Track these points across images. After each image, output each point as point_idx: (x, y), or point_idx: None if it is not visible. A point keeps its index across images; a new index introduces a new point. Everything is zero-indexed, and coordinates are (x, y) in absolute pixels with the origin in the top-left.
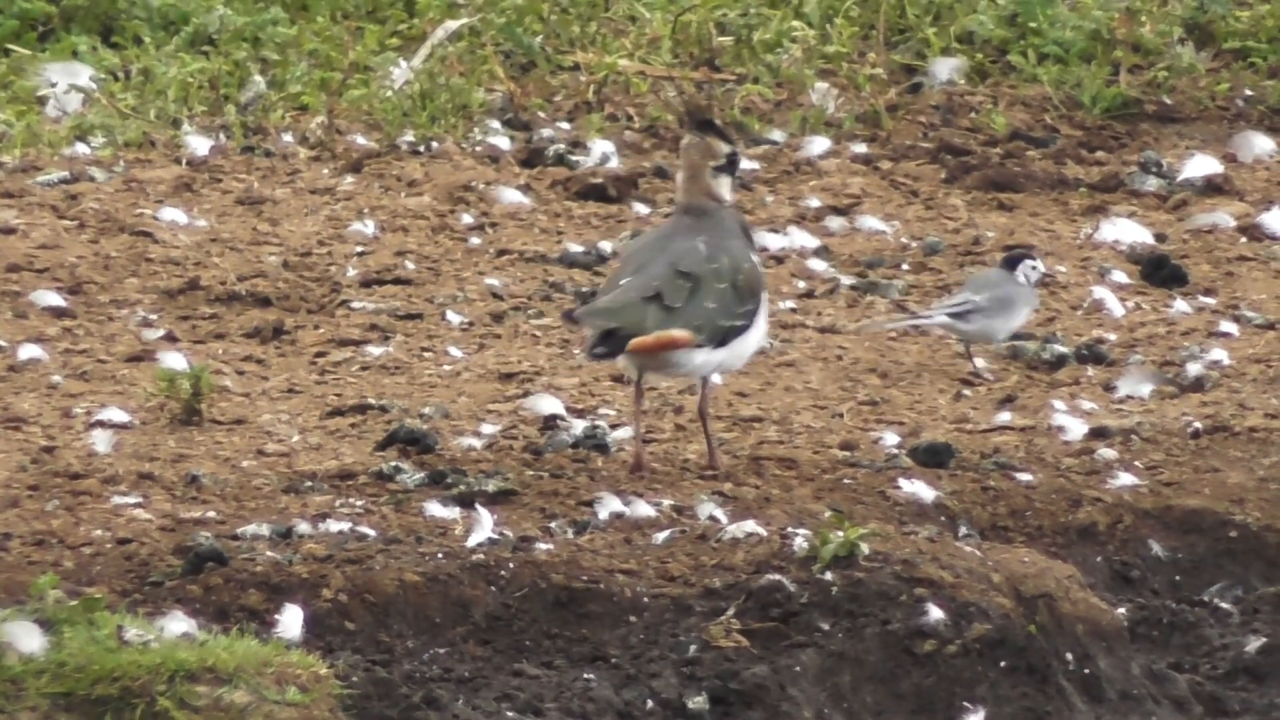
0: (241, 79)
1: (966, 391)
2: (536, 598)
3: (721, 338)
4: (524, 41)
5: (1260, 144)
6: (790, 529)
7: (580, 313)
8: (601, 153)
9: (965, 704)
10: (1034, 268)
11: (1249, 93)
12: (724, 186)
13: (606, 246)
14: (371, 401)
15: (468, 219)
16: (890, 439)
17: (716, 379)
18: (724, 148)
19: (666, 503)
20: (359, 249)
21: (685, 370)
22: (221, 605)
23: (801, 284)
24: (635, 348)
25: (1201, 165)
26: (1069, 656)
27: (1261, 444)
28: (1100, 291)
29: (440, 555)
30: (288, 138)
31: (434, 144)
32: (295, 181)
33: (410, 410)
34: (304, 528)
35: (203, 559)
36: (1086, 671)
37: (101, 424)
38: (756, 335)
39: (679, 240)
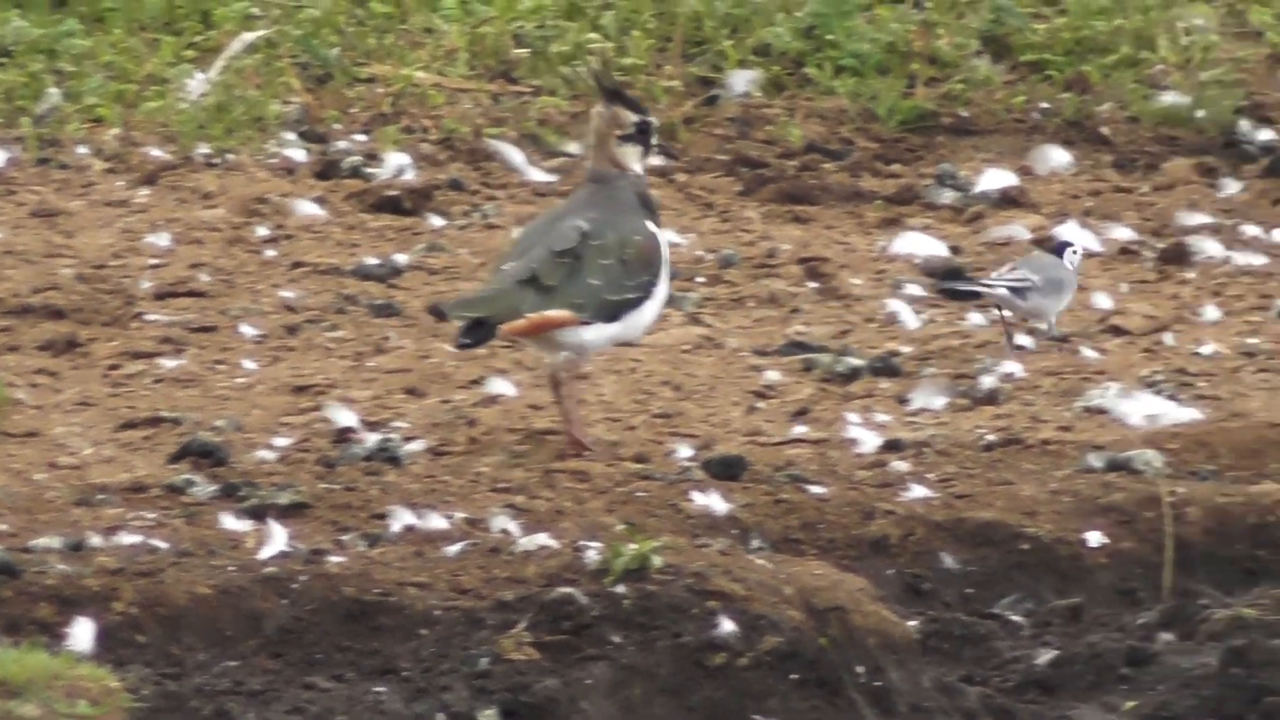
0: (37, 91)
1: (760, 404)
2: (328, 611)
3: (612, 313)
4: (320, 54)
5: (1056, 157)
6: (583, 542)
7: (448, 305)
8: (397, 165)
9: (756, 716)
10: (1076, 253)
11: (1045, 105)
12: (631, 156)
13: (401, 259)
14: (165, 414)
15: (263, 231)
16: (683, 452)
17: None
18: (631, 117)
19: (459, 515)
20: (153, 261)
21: (579, 347)
22: (12, 618)
23: None
24: (509, 332)
25: (997, 178)
26: (860, 669)
27: (1054, 456)
28: (894, 304)
29: (232, 568)
30: (83, 150)
31: (229, 156)
32: (90, 194)
33: (203, 423)
34: (96, 540)
35: None
36: (878, 684)
37: None
38: (654, 306)
39: (565, 219)
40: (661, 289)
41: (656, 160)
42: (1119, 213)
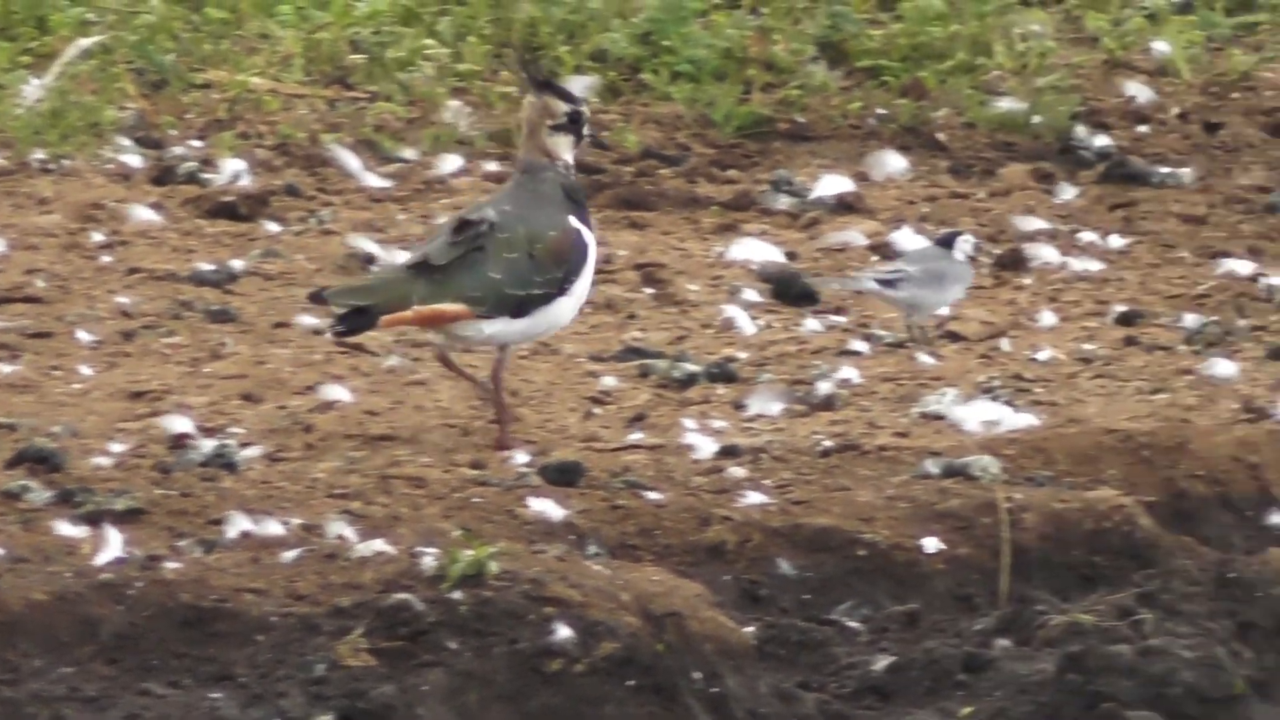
0: None
1: (596, 410)
2: (164, 617)
3: (516, 307)
4: (156, 60)
5: (892, 162)
6: (419, 548)
7: (330, 292)
8: (233, 171)
9: None
10: (968, 242)
11: (881, 111)
12: (562, 146)
13: (237, 265)
14: (0, 420)
15: (98, 237)
16: (520, 458)
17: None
18: (563, 107)
19: (295, 521)
20: None
21: (482, 341)
22: None
23: None
24: (389, 323)
25: (833, 184)
26: (697, 675)
27: (890, 462)
28: (731, 310)
29: (68, 574)
30: None
31: (65, 162)
32: None
33: (39, 429)
34: None
35: None
36: (714, 690)
37: None
38: (570, 303)
39: (477, 211)
40: (580, 285)
41: (589, 149)
42: (955, 219)
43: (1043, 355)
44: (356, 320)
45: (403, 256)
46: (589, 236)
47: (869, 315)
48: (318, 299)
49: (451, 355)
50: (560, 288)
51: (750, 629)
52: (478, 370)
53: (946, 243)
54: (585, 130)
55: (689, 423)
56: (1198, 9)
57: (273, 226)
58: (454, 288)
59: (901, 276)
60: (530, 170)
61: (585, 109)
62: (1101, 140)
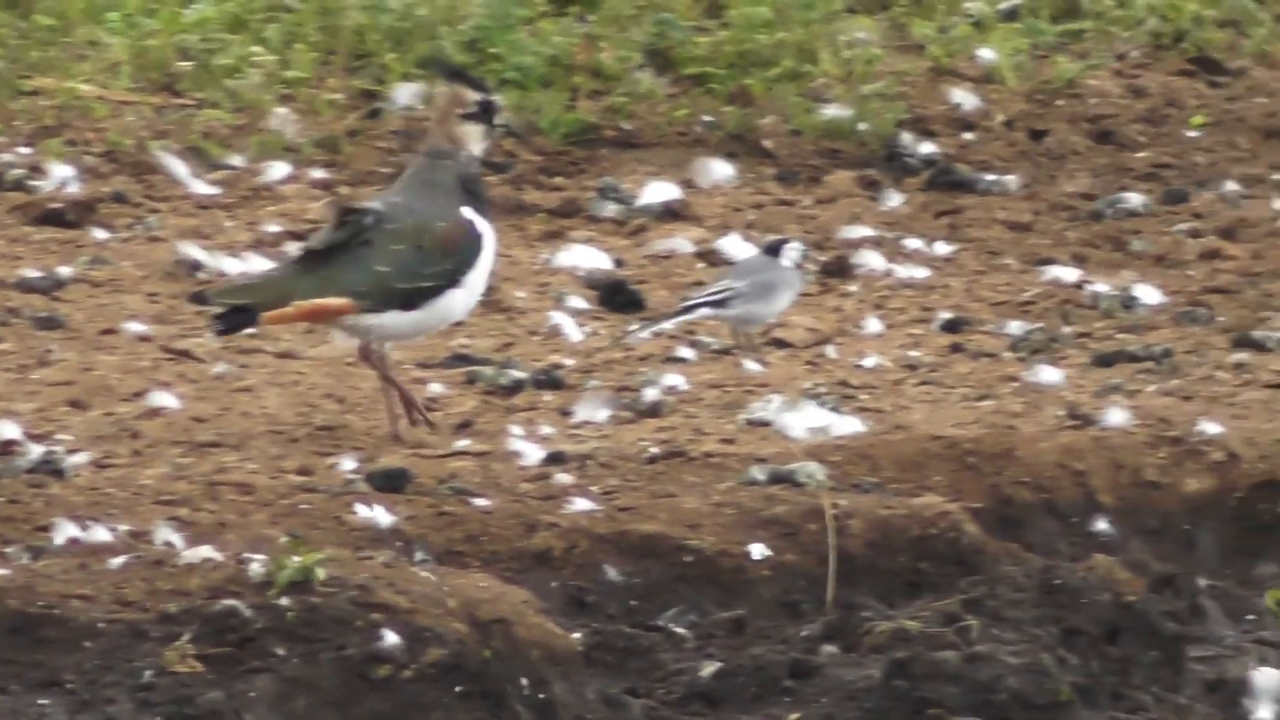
0: None
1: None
2: None
3: (404, 301)
4: None
5: (719, 170)
6: (246, 554)
7: (210, 292)
8: (61, 178)
9: None
10: (795, 249)
11: (708, 118)
12: (471, 136)
13: (65, 272)
14: None
15: None
16: (347, 464)
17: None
18: (474, 96)
19: (123, 528)
20: None
21: (374, 335)
22: None
23: None
24: (270, 320)
25: (660, 191)
26: (524, 681)
27: (717, 469)
28: (558, 317)
29: None
30: None
31: None
32: None
33: None
34: None
35: None
36: (542, 696)
37: None
38: (461, 295)
39: (364, 203)
40: (473, 277)
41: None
42: (781, 225)
43: (868, 362)
44: (236, 319)
45: (232, 263)
46: (484, 228)
47: (695, 323)
48: (199, 299)
49: (379, 357)
50: (451, 280)
51: (577, 635)
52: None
53: (774, 250)
54: (497, 121)
55: (516, 429)
56: (1023, 17)
57: (100, 234)
58: (338, 282)
59: (732, 294)
60: (431, 156)
61: (498, 100)
62: (927, 147)
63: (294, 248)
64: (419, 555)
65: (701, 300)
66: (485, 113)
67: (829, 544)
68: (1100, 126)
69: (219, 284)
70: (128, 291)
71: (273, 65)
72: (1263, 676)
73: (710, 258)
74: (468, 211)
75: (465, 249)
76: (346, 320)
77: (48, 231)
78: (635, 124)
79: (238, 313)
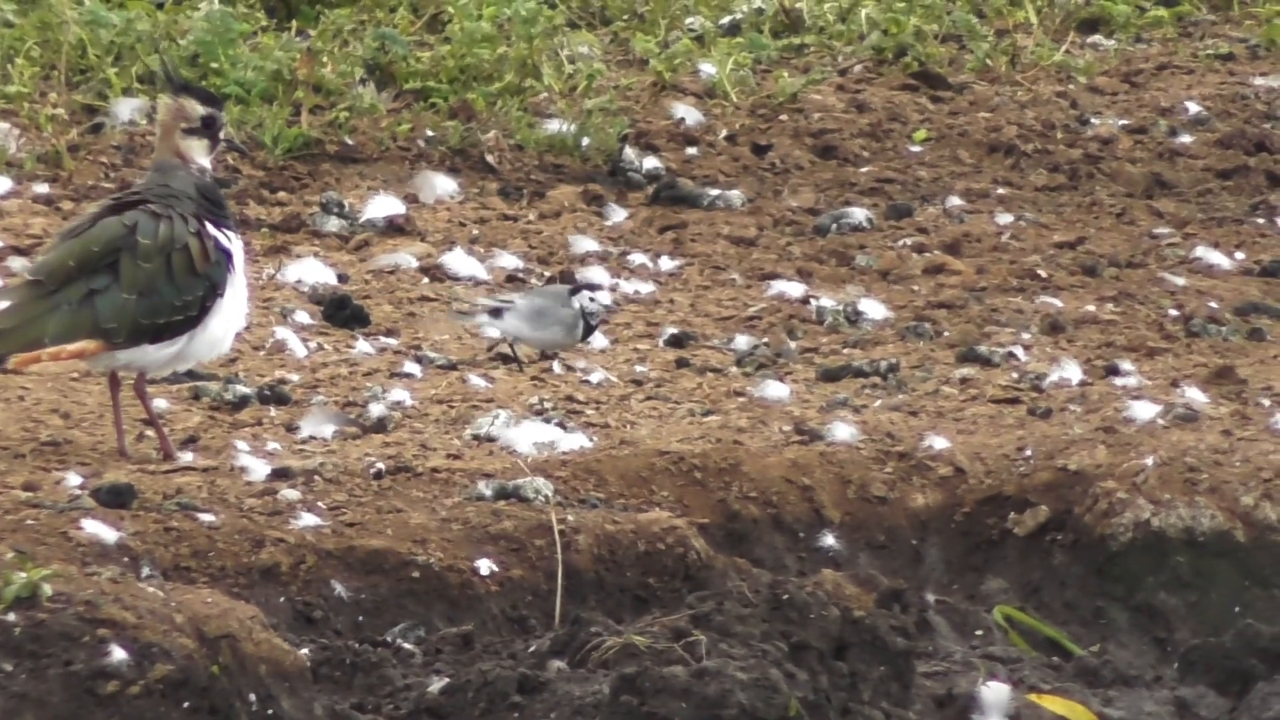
0: None
1: (149, 432)
2: None
3: (156, 334)
4: None
5: (442, 184)
6: None
7: None
8: None
9: None
10: (592, 299)
11: (430, 133)
12: (196, 150)
13: None
14: None
15: None
16: (73, 480)
17: None
18: (199, 109)
19: None
20: None
21: (147, 368)
22: None
23: None
24: (20, 364)
25: (383, 205)
26: (252, 697)
27: (444, 484)
28: (283, 332)
29: None
30: None
31: None
32: None
33: None
34: None
35: None
36: (270, 712)
37: None
38: (218, 321)
39: (94, 228)
40: (230, 298)
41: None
42: (506, 240)
43: (595, 377)
44: None
45: None
46: (232, 242)
47: (420, 338)
48: None
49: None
50: (203, 306)
51: (305, 651)
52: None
53: (575, 291)
54: (221, 135)
55: (242, 445)
56: (745, 31)
57: None
58: (85, 320)
59: (506, 306)
60: (163, 170)
61: (222, 115)
62: (651, 162)
63: (24, 266)
64: (146, 571)
65: (484, 302)
66: (209, 127)
67: (556, 559)
68: (823, 141)
69: None
70: None
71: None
72: (991, 692)
73: (434, 272)
74: (209, 225)
75: (204, 270)
76: (104, 357)
77: None
78: (358, 139)
79: None
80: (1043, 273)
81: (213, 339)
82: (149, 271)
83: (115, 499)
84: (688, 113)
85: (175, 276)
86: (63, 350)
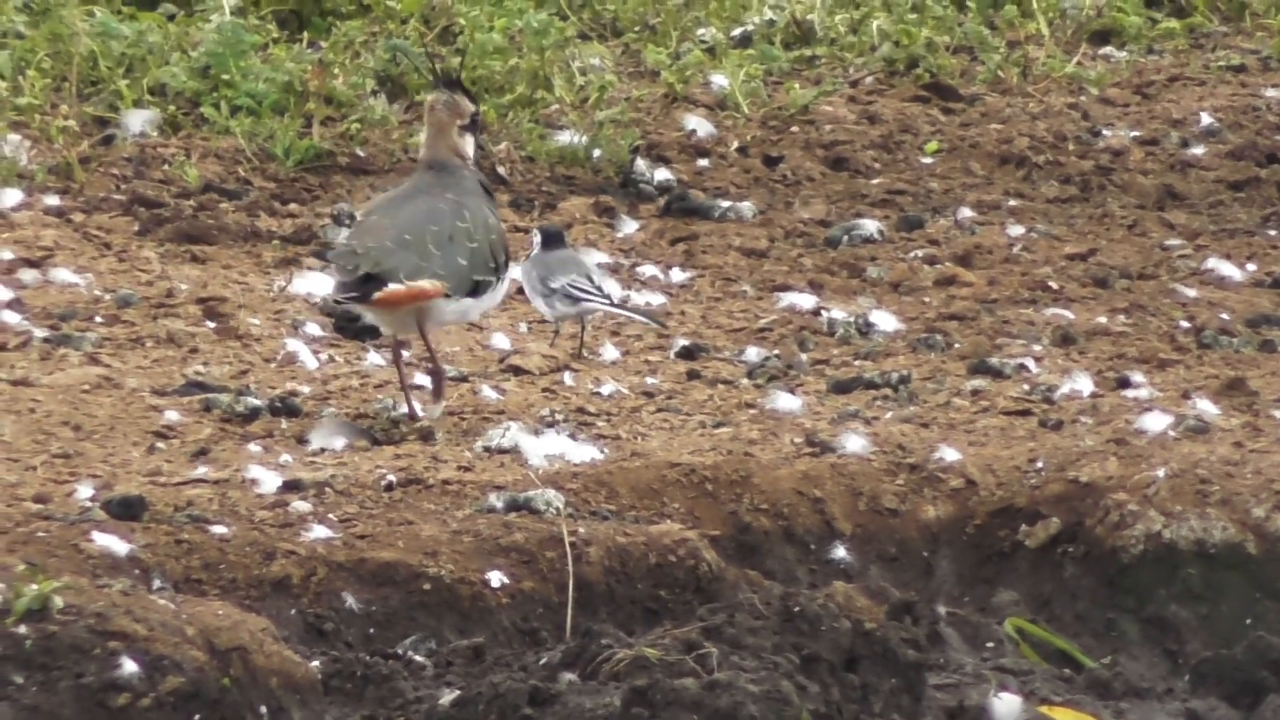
0: None
1: (160, 445)
2: None
3: (473, 290)
4: None
5: None
6: None
7: (333, 253)
8: None
9: None
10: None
11: None
12: (469, 145)
13: None
14: None
15: None
16: (84, 492)
17: None
18: (470, 106)
19: None
20: None
21: (437, 319)
22: None
23: None
24: (384, 298)
25: None
26: (263, 709)
27: (455, 496)
28: (294, 344)
29: None
30: None
31: None
32: None
33: None
34: None
35: None
36: None
37: None
38: (504, 287)
39: (427, 197)
40: (509, 271)
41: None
42: (517, 252)
43: (606, 389)
44: (363, 288)
45: None
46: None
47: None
48: (321, 256)
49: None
50: (499, 274)
51: (316, 663)
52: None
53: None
54: (481, 132)
55: (253, 457)
56: (757, 43)
57: None
58: (431, 268)
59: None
60: (439, 168)
61: (483, 111)
62: (662, 174)
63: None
64: (157, 583)
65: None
66: (474, 124)
67: (568, 571)
68: (835, 153)
69: (337, 249)
70: None
71: (4, 92)
72: (1002, 704)
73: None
74: (492, 213)
75: (506, 246)
76: (430, 304)
77: None
78: (369, 151)
79: (366, 281)
80: (1054, 284)
81: (497, 300)
82: (474, 247)
83: (126, 511)
84: (699, 124)
85: (494, 249)
86: (415, 288)
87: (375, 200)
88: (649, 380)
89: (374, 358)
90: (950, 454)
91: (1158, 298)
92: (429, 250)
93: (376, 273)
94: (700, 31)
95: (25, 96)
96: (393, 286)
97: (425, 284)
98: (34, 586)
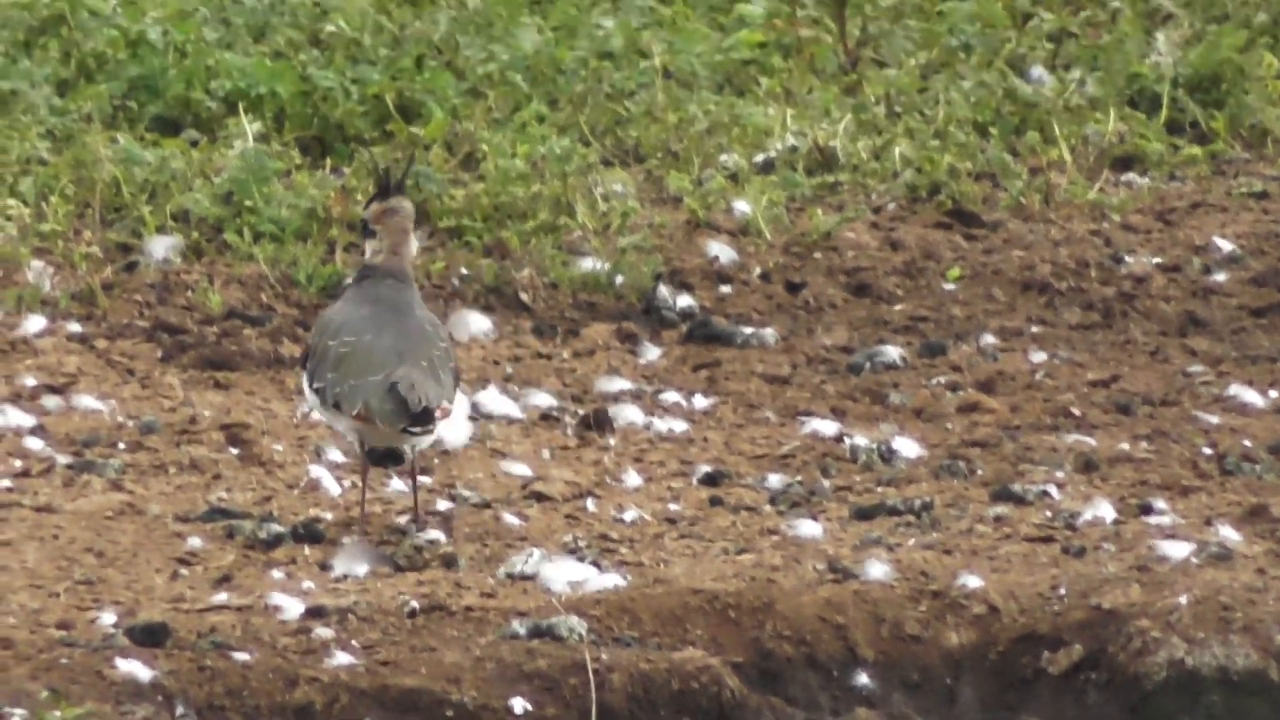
0: None
1: (183, 571)
2: None
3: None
4: None
5: (476, 323)
6: (7, 708)
7: (403, 387)
8: None
9: None
10: None
11: (465, 271)
12: (414, 249)
13: None
14: None
15: None
16: (107, 618)
17: None
18: (412, 210)
19: None
20: None
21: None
22: None
23: (18, 463)
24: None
25: None
26: None
27: (478, 623)
28: (317, 470)
29: None
30: None
31: None
32: None
33: None
34: None
35: None
36: None
37: None
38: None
39: (407, 317)
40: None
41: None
42: (540, 379)
43: (628, 515)
44: (425, 419)
45: None
46: None
47: (454, 475)
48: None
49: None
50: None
51: None
52: None
53: None
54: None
55: (276, 583)
56: (779, 169)
57: None
58: (445, 387)
59: None
60: (399, 276)
61: None
62: (685, 300)
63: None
64: (180, 710)
65: None
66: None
67: (590, 698)
68: (857, 279)
69: (400, 382)
70: None
71: (28, 218)
72: None
73: (471, 412)
74: None
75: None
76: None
77: None
78: None
79: (425, 413)
80: (1076, 411)
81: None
82: (452, 365)
83: (149, 637)
84: (721, 250)
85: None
86: (444, 408)
87: (338, 319)
88: (671, 506)
89: (397, 484)
90: (973, 580)
91: (1180, 424)
92: (440, 375)
93: (428, 404)
94: (723, 158)
95: (48, 223)
96: (445, 405)
97: (446, 405)
98: (57, 713)
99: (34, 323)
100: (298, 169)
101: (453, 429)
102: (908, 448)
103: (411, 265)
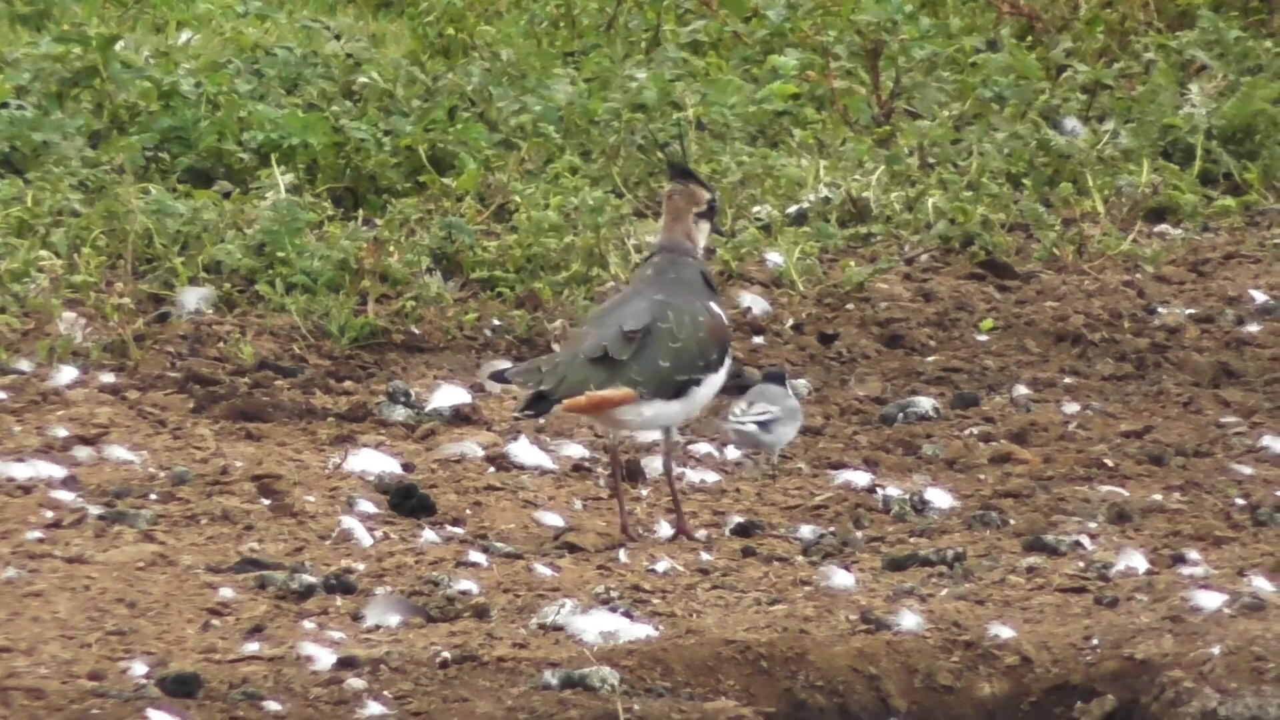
0: None
1: (215, 621)
2: None
3: (675, 391)
4: None
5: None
6: None
7: (512, 372)
8: None
9: None
10: (801, 382)
11: (497, 322)
12: (702, 233)
13: None
14: None
15: None
16: (139, 669)
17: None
18: (705, 194)
19: None
20: None
21: (639, 425)
22: None
23: (49, 514)
24: (569, 408)
25: (449, 395)
26: None
27: (510, 673)
28: (349, 521)
29: None
30: None
31: None
32: None
33: None
34: None
35: None
36: None
37: None
38: (717, 380)
39: (635, 300)
40: (725, 365)
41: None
42: (571, 429)
43: (660, 566)
44: (540, 405)
45: (19, 468)
46: (726, 319)
47: (486, 526)
48: (500, 378)
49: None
50: (714, 369)
51: None
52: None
53: (779, 380)
54: (715, 219)
55: (308, 633)
56: (812, 220)
57: None
58: (623, 373)
59: (772, 418)
60: (672, 251)
61: (718, 198)
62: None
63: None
64: None
65: (751, 418)
66: (710, 211)
67: None
68: (890, 330)
69: (515, 368)
70: None
71: (60, 269)
72: None
73: (500, 462)
74: (714, 305)
75: (723, 340)
76: (624, 409)
77: None
78: (424, 328)
79: (540, 399)
80: (1109, 462)
81: (707, 397)
82: (677, 347)
83: (181, 688)
84: (754, 302)
85: (702, 346)
86: (601, 396)
87: (605, 303)
88: (704, 557)
89: (429, 535)
90: (1005, 631)
91: (1213, 475)
92: (620, 357)
93: (547, 390)
94: (756, 209)
95: (80, 274)
96: (577, 397)
97: (609, 392)
98: None
99: (66, 374)
100: (330, 220)
101: (681, 412)
102: (940, 498)
103: (689, 240)
